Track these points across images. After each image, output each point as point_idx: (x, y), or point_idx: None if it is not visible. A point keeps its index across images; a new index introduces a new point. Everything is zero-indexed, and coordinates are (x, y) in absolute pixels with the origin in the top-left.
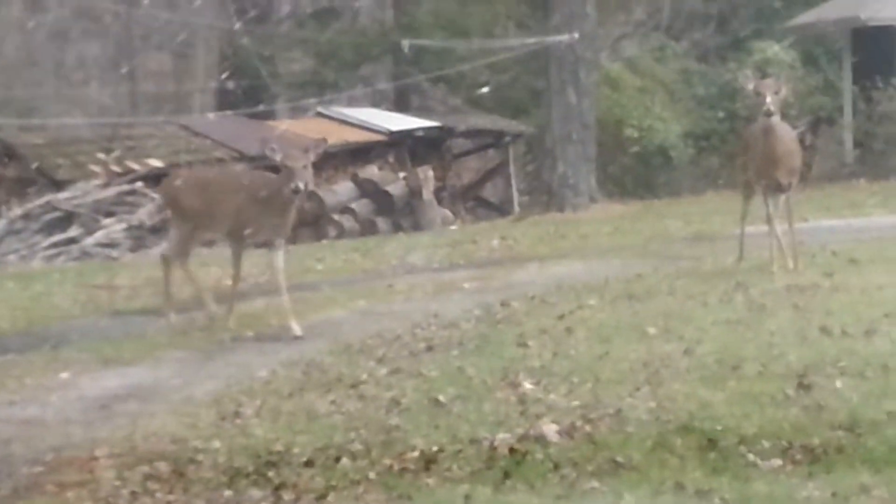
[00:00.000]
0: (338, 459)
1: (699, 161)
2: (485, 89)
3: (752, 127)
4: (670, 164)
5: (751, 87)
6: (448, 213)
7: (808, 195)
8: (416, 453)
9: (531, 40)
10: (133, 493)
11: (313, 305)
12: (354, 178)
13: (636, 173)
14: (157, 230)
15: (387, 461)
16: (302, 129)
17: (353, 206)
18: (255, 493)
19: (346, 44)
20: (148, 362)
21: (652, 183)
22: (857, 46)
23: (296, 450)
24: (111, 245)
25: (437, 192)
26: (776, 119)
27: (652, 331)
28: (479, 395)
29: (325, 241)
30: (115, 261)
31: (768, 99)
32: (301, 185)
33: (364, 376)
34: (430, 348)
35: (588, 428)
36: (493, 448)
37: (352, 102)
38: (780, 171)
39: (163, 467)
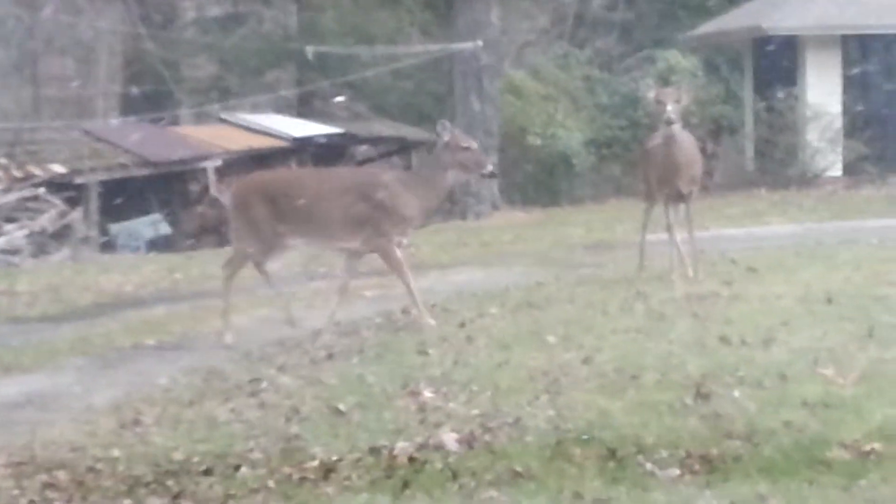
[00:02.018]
0: (237, 468)
1: (601, 169)
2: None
3: (654, 135)
4: (573, 172)
5: (652, 95)
6: None
7: (709, 204)
8: (315, 462)
9: (435, 47)
10: (31, 502)
11: (215, 312)
12: None
13: (539, 181)
14: (60, 236)
15: (286, 470)
16: (205, 135)
17: None
18: (155, 501)
19: (251, 50)
20: (48, 369)
21: (554, 190)
22: (759, 56)
23: (195, 458)
24: (12, 251)
25: None
26: (677, 128)
27: (552, 339)
28: (379, 403)
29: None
30: (16, 267)
31: (669, 107)
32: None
33: (264, 384)
34: (330, 356)
35: (487, 437)
36: (392, 457)
37: (255, 108)
38: (680, 180)
39: (62, 476)
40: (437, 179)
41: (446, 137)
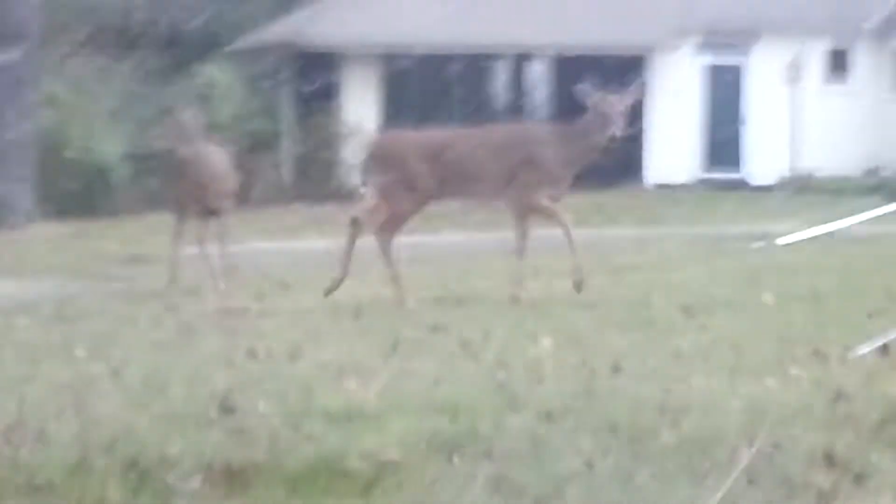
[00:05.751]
0: None
1: (139, 182)
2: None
3: (184, 150)
4: (110, 185)
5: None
6: None
7: (244, 218)
8: None
9: None
10: None
11: None
12: None
13: (76, 193)
14: None
15: None
16: None
17: None
18: None
19: None
20: None
21: (92, 203)
22: (298, 71)
23: None
24: None
25: None
26: (203, 144)
27: (80, 352)
28: None
29: None
30: None
31: None
32: (617, 132)
33: None
34: None
35: (9, 451)
36: None
37: None
38: (209, 195)
39: None
40: (587, 138)
41: (595, 99)
